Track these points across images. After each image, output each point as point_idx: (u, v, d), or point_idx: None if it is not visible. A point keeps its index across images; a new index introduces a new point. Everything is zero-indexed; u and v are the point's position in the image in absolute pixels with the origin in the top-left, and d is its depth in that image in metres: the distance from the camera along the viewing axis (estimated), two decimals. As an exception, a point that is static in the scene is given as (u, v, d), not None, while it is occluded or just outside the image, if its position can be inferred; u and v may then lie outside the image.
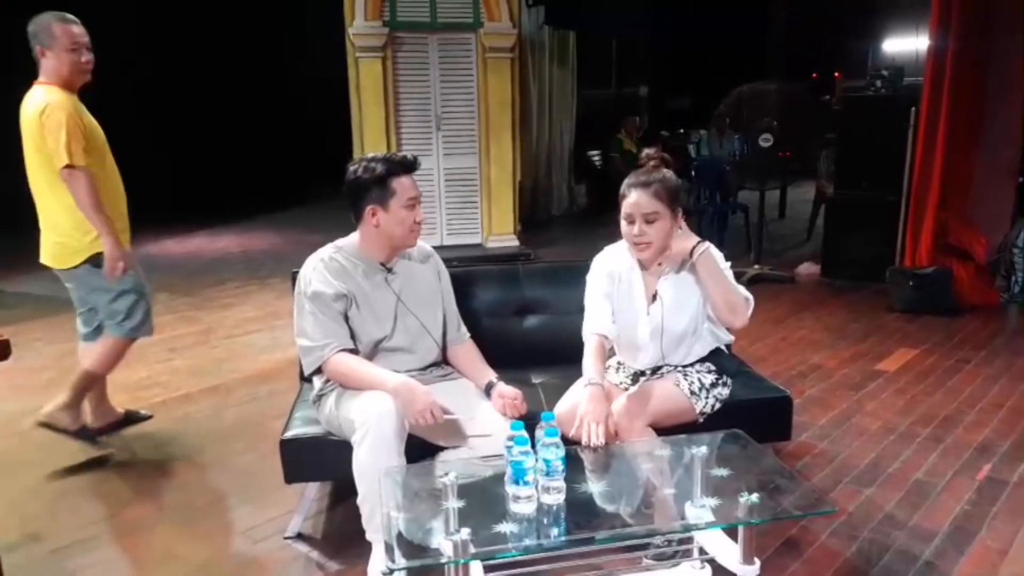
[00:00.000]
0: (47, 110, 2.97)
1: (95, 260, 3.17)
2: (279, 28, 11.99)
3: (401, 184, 2.39)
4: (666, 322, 2.47)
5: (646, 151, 2.58)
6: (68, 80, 3.08)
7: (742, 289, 2.41)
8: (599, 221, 7.97)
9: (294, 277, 2.92)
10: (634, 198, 2.38)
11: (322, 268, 2.41)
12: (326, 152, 9.83)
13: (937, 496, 2.87)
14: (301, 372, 2.92)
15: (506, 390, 2.45)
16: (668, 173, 2.43)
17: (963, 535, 2.60)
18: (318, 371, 2.43)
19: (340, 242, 2.51)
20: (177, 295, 6.31)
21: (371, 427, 2.18)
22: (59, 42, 3.03)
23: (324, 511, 2.84)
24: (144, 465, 3.27)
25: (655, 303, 2.49)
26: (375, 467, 2.10)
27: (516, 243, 7.50)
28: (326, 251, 2.47)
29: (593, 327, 2.49)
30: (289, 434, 2.51)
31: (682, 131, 12.20)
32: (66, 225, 3.16)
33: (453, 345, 2.65)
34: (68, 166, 2.96)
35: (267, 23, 11.74)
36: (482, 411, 2.43)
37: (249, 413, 3.82)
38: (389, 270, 2.50)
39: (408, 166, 2.42)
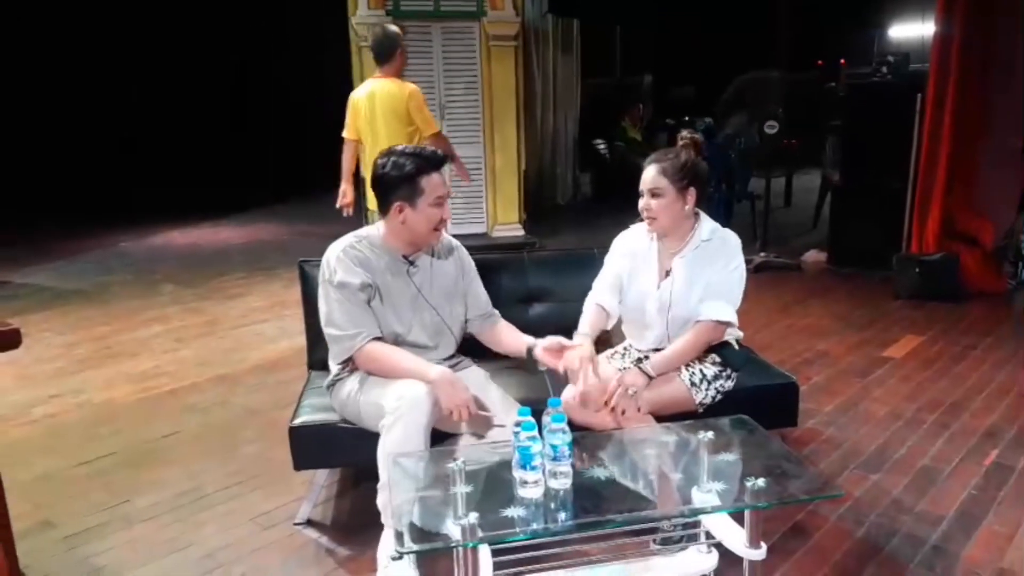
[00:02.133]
0: (412, 94, 4.24)
1: None
2: (283, 19, 11.97)
3: (431, 182, 2.36)
4: (674, 298, 2.51)
5: (682, 132, 2.66)
6: (400, 75, 4.35)
7: (714, 312, 2.45)
8: (604, 209, 7.97)
9: (301, 267, 2.95)
10: (646, 174, 2.52)
11: (346, 257, 2.39)
12: (330, 143, 9.86)
13: (944, 481, 2.88)
14: (309, 360, 2.95)
15: (549, 344, 2.44)
16: (686, 154, 2.51)
17: (970, 520, 2.61)
18: (347, 360, 2.43)
19: (363, 231, 2.51)
20: (183, 286, 6.33)
21: (404, 413, 2.19)
22: (404, 49, 4.37)
23: (333, 498, 2.86)
24: (153, 453, 3.29)
25: (666, 279, 2.55)
26: (402, 453, 2.13)
27: (521, 232, 7.50)
28: (349, 239, 2.45)
29: (595, 297, 2.65)
30: (298, 421, 2.53)
31: (686, 119, 12.15)
32: None
33: (490, 326, 2.65)
34: (434, 133, 4.30)
35: (271, 14, 11.73)
36: (492, 399, 2.45)
37: (257, 402, 3.84)
38: (411, 263, 2.48)
39: (438, 162, 2.40)
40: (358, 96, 4.40)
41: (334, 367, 2.51)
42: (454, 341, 2.60)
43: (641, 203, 2.52)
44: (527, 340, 2.54)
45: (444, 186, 2.41)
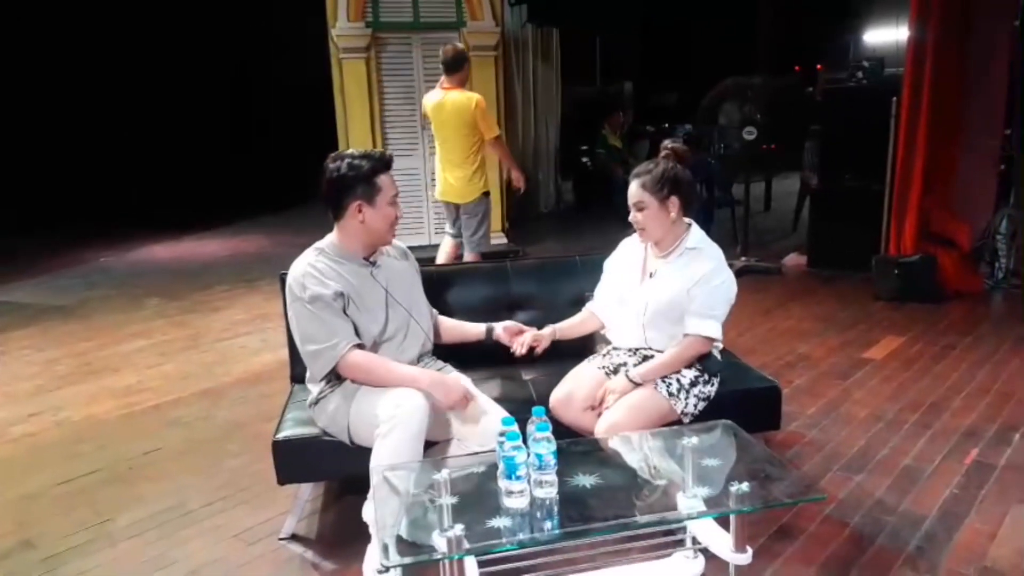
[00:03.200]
0: (478, 103, 4.80)
1: (483, 195, 4.98)
2: (263, 31, 11.95)
3: (384, 181, 2.43)
4: (652, 298, 2.59)
5: (664, 142, 2.74)
6: (464, 85, 4.92)
7: (701, 328, 2.51)
8: (586, 217, 7.99)
9: (282, 279, 2.93)
10: (629, 189, 2.62)
11: (313, 271, 2.40)
12: (311, 155, 9.83)
13: (926, 481, 2.90)
14: (292, 374, 2.94)
15: (508, 325, 2.71)
16: (664, 165, 2.59)
17: (952, 519, 2.63)
18: (329, 373, 2.42)
19: (320, 244, 2.51)
20: (166, 299, 6.29)
21: (400, 422, 2.21)
22: (469, 62, 5.02)
23: (318, 512, 2.85)
24: (136, 469, 3.26)
25: (648, 280, 2.64)
26: (396, 462, 2.14)
27: (504, 241, 7.51)
28: (309, 256, 2.46)
29: (591, 304, 2.83)
30: (281, 435, 2.52)
31: (667, 126, 12.22)
32: (469, 172, 4.91)
33: (441, 323, 2.77)
34: (496, 137, 4.93)
35: (251, 26, 11.71)
36: (475, 403, 2.47)
37: (241, 415, 3.81)
38: (374, 264, 2.52)
39: (388, 163, 2.47)
40: (428, 103, 5.02)
41: (315, 386, 2.51)
42: (426, 337, 2.63)
43: (630, 216, 2.61)
44: (486, 324, 2.73)
45: (395, 186, 2.48)
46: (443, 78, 4.89)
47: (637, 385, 2.50)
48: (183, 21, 11.11)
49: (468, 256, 5.00)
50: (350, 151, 2.47)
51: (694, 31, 13.18)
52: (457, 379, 2.44)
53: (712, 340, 2.54)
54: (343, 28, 6.81)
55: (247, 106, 12.29)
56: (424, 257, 5.62)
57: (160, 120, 11.43)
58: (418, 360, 2.58)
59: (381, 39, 6.99)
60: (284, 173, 12.32)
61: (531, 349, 2.67)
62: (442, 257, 5.18)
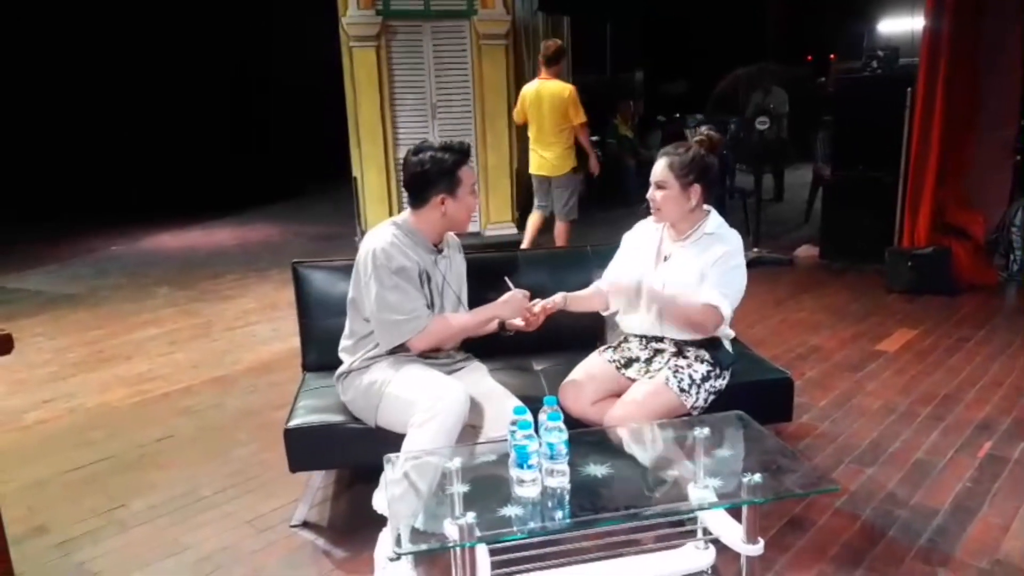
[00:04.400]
0: (571, 92, 5.56)
1: (573, 171, 5.80)
2: (273, 19, 11.93)
3: (465, 172, 2.49)
4: (667, 283, 2.53)
5: (700, 128, 2.68)
6: (560, 76, 5.71)
7: (707, 296, 2.44)
8: (596, 206, 7.95)
9: (294, 268, 2.94)
10: (655, 166, 2.57)
11: (398, 243, 2.45)
12: (321, 143, 9.82)
13: (938, 474, 2.89)
14: (303, 362, 2.94)
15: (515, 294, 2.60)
16: (695, 151, 2.53)
17: (965, 512, 2.62)
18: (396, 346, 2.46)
19: (397, 220, 2.56)
20: (176, 288, 6.31)
21: (440, 412, 2.24)
22: (566, 56, 5.86)
23: (329, 499, 2.86)
24: (148, 457, 3.28)
25: (663, 263, 2.59)
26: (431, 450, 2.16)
27: (514, 231, 7.50)
28: (389, 229, 2.50)
29: (601, 281, 2.72)
30: (293, 423, 2.52)
31: (678, 115, 12.16)
32: (563, 150, 5.71)
33: None
34: (583, 123, 5.63)
35: (261, 14, 11.69)
36: (488, 390, 2.50)
37: (252, 404, 3.83)
38: (440, 252, 2.57)
39: (468, 153, 2.52)
40: (528, 90, 5.75)
41: (354, 358, 2.52)
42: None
43: (648, 193, 2.57)
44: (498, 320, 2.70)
45: (474, 174, 2.55)
46: (542, 70, 5.68)
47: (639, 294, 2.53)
48: (191, 10, 11.10)
49: (559, 225, 5.87)
50: (430, 142, 2.51)
51: (704, 20, 13.08)
52: (514, 294, 2.52)
53: (721, 316, 2.45)
54: (354, 16, 6.79)
55: (256, 95, 12.28)
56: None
57: (169, 109, 11.43)
58: (447, 355, 2.62)
59: (392, 27, 6.97)
60: (292, 162, 12.35)
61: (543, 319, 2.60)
62: (530, 228, 6.03)
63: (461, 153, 2.48)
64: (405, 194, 2.58)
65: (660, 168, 2.53)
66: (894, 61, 6.22)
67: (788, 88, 6.54)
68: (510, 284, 2.57)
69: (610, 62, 14.13)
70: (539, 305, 2.55)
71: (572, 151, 5.77)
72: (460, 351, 2.71)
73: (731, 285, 2.50)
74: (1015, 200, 5.75)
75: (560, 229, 5.90)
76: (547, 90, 5.61)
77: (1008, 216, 5.67)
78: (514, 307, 2.52)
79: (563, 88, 5.60)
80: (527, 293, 2.54)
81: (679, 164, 2.50)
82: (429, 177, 2.45)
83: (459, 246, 2.76)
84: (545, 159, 5.76)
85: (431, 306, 2.50)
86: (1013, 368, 3.92)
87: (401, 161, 2.78)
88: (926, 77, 5.43)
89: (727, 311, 2.47)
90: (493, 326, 2.70)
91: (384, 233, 2.48)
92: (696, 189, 2.51)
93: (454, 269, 2.65)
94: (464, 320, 2.54)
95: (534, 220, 6.02)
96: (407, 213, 2.56)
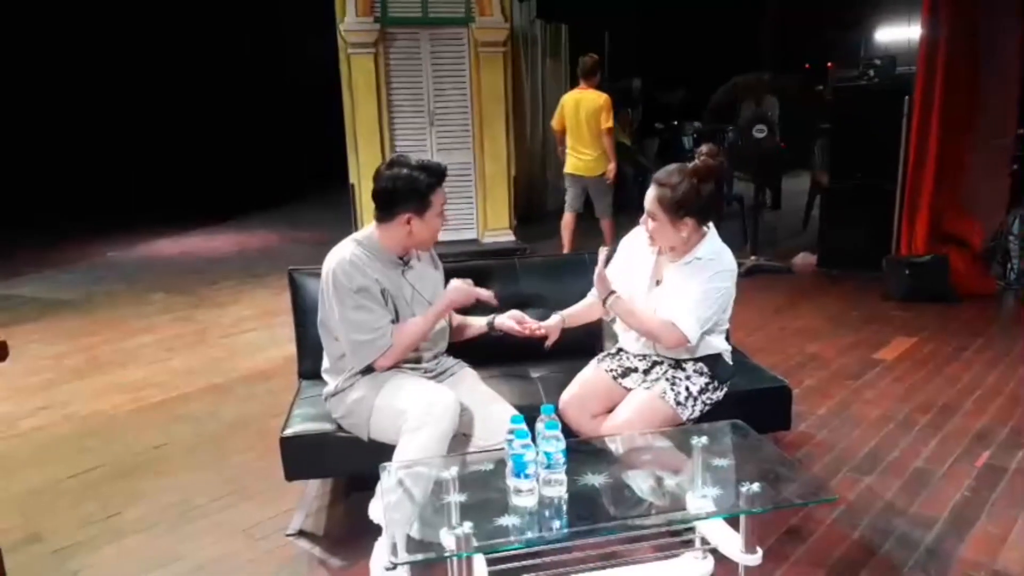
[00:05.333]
0: (606, 100, 6.10)
1: (604, 174, 6.25)
2: (272, 26, 11.95)
3: (437, 196, 2.43)
4: (658, 304, 2.49)
5: (699, 149, 2.54)
6: (597, 87, 6.25)
7: (671, 314, 2.42)
8: (594, 215, 7.95)
9: (291, 275, 2.93)
10: (648, 191, 2.48)
11: (358, 262, 2.40)
12: (320, 150, 9.81)
13: (937, 483, 2.88)
14: (300, 370, 2.93)
15: (512, 314, 2.63)
16: (687, 185, 2.39)
17: (963, 522, 2.61)
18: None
19: (358, 236, 2.51)
20: (173, 294, 6.30)
21: (432, 420, 2.24)
22: (601, 69, 6.45)
23: (325, 508, 2.84)
24: (143, 465, 3.26)
25: (657, 287, 2.54)
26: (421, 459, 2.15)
27: (512, 238, 7.50)
28: (349, 247, 2.45)
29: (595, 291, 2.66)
30: (289, 431, 2.51)
31: (676, 123, 12.16)
32: (598, 154, 6.21)
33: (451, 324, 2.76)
34: (609, 128, 6.12)
35: (260, 21, 11.70)
36: (481, 397, 2.49)
37: (248, 411, 3.81)
38: (406, 264, 2.54)
39: (443, 175, 2.46)
40: (567, 98, 6.31)
41: (335, 378, 2.49)
42: (446, 337, 2.66)
43: (642, 218, 2.52)
44: (487, 317, 2.68)
45: (445, 196, 2.48)
46: (581, 81, 6.28)
47: (604, 303, 2.51)
48: (189, 15, 11.11)
49: (603, 221, 6.41)
50: (407, 159, 2.45)
51: (702, 29, 13.11)
52: (453, 282, 2.53)
53: (680, 334, 2.39)
54: (351, 23, 6.79)
55: (256, 100, 12.28)
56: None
57: (166, 115, 11.43)
58: (433, 358, 2.59)
59: (390, 34, 6.97)
60: (290, 169, 12.34)
61: (542, 340, 2.58)
62: (566, 231, 6.48)
63: (437, 175, 2.42)
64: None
65: (650, 199, 2.45)
66: (891, 69, 6.24)
67: (786, 97, 6.55)
68: (501, 322, 2.62)
69: (608, 70, 14.14)
70: (536, 325, 2.56)
71: (606, 154, 6.28)
72: (450, 356, 2.69)
73: (705, 306, 2.41)
74: (1012, 208, 5.76)
75: (605, 225, 6.40)
76: (585, 98, 6.18)
77: (1006, 224, 5.67)
78: (459, 292, 2.51)
79: (599, 96, 6.15)
80: (469, 280, 2.56)
81: (669, 201, 2.39)
82: (399, 194, 2.40)
83: (435, 263, 2.71)
84: (582, 160, 6.26)
85: (397, 320, 2.46)
86: (1011, 377, 3.92)
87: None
88: (923, 86, 5.45)
89: (691, 331, 2.39)
90: (482, 327, 2.68)
91: (343, 251, 2.43)
92: (687, 222, 2.42)
93: (428, 279, 2.60)
94: (416, 322, 2.45)
95: (568, 222, 6.47)
96: (372, 226, 2.51)
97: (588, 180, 6.33)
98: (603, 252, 2.55)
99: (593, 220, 6.47)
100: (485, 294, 2.55)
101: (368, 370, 2.44)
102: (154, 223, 9.69)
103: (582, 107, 6.19)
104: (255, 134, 12.24)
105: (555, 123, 6.44)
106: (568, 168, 6.40)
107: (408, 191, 2.39)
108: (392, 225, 2.44)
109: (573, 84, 10.58)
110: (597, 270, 2.50)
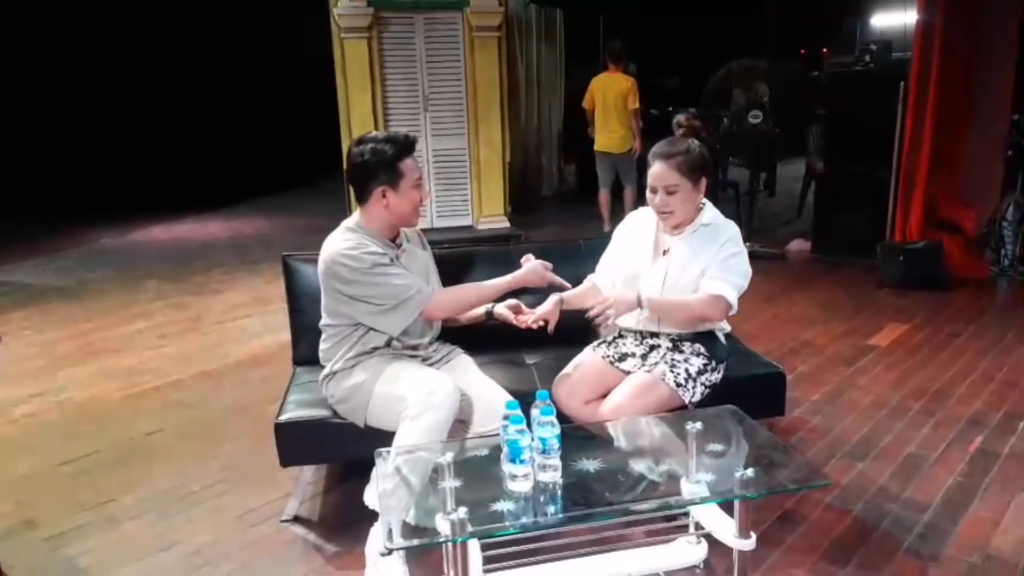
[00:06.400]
0: (632, 83, 6.71)
1: (630, 150, 6.81)
2: (264, 11, 11.84)
3: (408, 165, 2.42)
4: (669, 277, 2.51)
5: (677, 118, 2.62)
6: (624, 71, 6.86)
7: (714, 287, 2.43)
8: (589, 201, 7.94)
9: (284, 262, 2.92)
10: (656, 170, 2.47)
11: (358, 245, 2.38)
12: (314, 136, 9.75)
13: (929, 468, 2.89)
14: (294, 356, 2.93)
15: (510, 303, 2.61)
16: (693, 144, 2.49)
17: (956, 506, 2.62)
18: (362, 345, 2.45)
19: (349, 223, 2.50)
20: (166, 281, 6.27)
21: (432, 406, 2.22)
22: (626, 55, 7.01)
23: (320, 494, 2.84)
24: (137, 451, 3.26)
25: (662, 257, 2.55)
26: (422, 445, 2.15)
27: (506, 224, 7.47)
28: (344, 235, 2.44)
29: (593, 275, 2.71)
30: (284, 417, 2.50)
31: (671, 109, 12.13)
32: (625, 132, 6.80)
33: None
34: (636, 109, 6.71)
35: (252, 6, 11.60)
36: (477, 384, 2.49)
37: (242, 398, 3.81)
38: (399, 246, 2.53)
39: (412, 146, 2.45)
40: (596, 81, 6.90)
41: (332, 360, 2.48)
42: (440, 322, 2.65)
43: (656, 200, 2.49)
44: (485, 307, 2.66)
45: (419, 168, 2.47)
46: (610, 65, 6.84)
47: (640, 306, 2.43)
48: (184, 5, 11.01)
49: (627, 191, 6.96)
50: (374, 134, 2.46)
51: (698, 14, 13.05)
52: (534, 263, 2.53)
53: (727, 304, 2.45)
54: (344, 7, 6.73)
55: (246, 87, 12.18)
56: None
57: (159, 102, 11.33)
58: (429, 344, 2.59)
59: (383, 18, 6.91)
60: (284, 155, 12.26)
61: (540, 331, 2.56)
62: (603, 207, 7.09)
63: (404, 145, 2.41)
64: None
65: (665, 171, 2.44)
66: (887, 55, 6.23)
67: (781, 82, 6.57)
68: (499, 312, 2.61)
69: (603, 56, 14.09)
70: (532, 318, 2.52)
71: (631, 132, 6.84)
72: (445, 343, 2.68)
73: (735, 272, 2.48)
74: (1007, 194, 5.77)
75: (628, 195, 6.96)
76: (613, 80, 6.78)
77: (999, 211, 5.68)
78: (535, 273, 2.52)
79: (626, 79, 6.76)
80: (548, 264, 2.55)
81: (688, 164, 2.43)
82: (368, 168, 2.39)
83: (422, 242, 2.70)
84: (611, 139, 6.84)
85: None
86: (1004, 363, 3.93)
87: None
88: (919, 71, 5.43)
89: (733, 299, 2.46)
90: (480, 315, 2.67)
91: (339, 239, 2.42)
92: (703, 183, 2.49)
93: (419, 259, 2.60)
94: (481, 285, 2.51)
95: (603, 198, 7.08)
96: (357, 214, 2.50)
97: (616, 156, 6.87)
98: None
99: (587, 201, 6.63)
100: (559, 281, 2.56)
101: (364, 354, 2.43)
102: (147, 210, 9.63)
103: (610, 89, 6.75)
104: (248, 121, 12.14)
105: (586, 103, 6.99)
106: (598, 146, 6.95)
107: (376, 163, 2.38)
108: (370, 205, 2.44)
109: (568, 69, 10.64)
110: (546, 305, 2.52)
